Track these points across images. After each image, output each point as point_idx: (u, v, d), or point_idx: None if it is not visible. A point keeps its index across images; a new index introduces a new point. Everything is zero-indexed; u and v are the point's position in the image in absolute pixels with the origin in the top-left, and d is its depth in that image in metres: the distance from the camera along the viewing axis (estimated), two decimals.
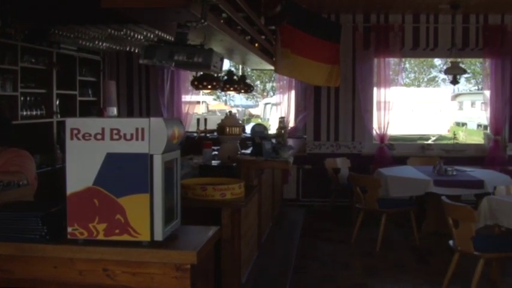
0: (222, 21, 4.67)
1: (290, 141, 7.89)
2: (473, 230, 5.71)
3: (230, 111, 6.31)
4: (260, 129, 5.86)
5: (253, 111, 38.92)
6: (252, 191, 5.08)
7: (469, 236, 5.71)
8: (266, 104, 29.69)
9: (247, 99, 42.63)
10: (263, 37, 7.13)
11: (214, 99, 38.06)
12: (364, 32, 10.27)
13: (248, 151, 5.90)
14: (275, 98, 10.57)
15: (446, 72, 9.88)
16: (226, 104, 39.53)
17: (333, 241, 8.35)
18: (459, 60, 10.05)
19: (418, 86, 39.37)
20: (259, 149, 5.53)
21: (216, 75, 7.39)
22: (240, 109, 37.08)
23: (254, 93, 41.55)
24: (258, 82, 41.33)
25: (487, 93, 10.34)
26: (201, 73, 7.38)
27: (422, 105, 25.33)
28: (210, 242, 3.12)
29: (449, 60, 10.01)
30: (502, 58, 10.04)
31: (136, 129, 2.79)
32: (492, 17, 10.12)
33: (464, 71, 9.99)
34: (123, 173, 2.82)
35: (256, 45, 6.81)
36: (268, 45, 7.53)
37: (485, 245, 5.83)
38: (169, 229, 2.99)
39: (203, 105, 31.13)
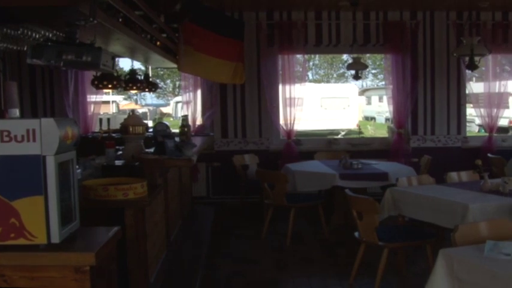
0: (120, 20, 4.63)
1: (197, 139, 7.87)
2: (377, 221, 5.85)
3: (133, 110, 6.25)
4: (162, 128, 5.80)
5: (164, 109, 38.78)
6: (156, 190, 5.06)
7: (373, 227, 5.85)
8: (177, 102, 29.62)
9: (158, 98, 42.43)
10: (164, 35, 7.10)
11: (125, 99, 37.62)
12: (268, 29, 10.35)
13: (152, 150, 5.85)
14: (184, 97, 10.54)
15: (349, 67, 10.12)
16: (137, 103, 39.19)
17: (244, 237, 8.40)
18: (361, 56, 10.32)
19: (328, 81, 40.11)
20: (162, 147, 5.49)
21: (116, 74, 7.31)
22: (151, 108, 36.88)
23: (165, 91, 41.40)
24: (168, 81, 41.18)
25: (390, 87, 10.62)
26: (100, 73, 7.30)
27: (331, 100, 25.77)
28: (111, 243, 3.10)
29: (352, 56, 10.25)
30: (402, 54, 10.32)
31: (27, 131, 2.74)
32: (391, 14, 10.41)
33: (365, 67, 10.28)
34: (16, 175, 2.76)
35: (158, 43, 6.78)
36: (171, 44, 7.51)
37: (388, 235, 6.00)
38: (67, 231, 2.95)
39: (113, 105, 30.70)
